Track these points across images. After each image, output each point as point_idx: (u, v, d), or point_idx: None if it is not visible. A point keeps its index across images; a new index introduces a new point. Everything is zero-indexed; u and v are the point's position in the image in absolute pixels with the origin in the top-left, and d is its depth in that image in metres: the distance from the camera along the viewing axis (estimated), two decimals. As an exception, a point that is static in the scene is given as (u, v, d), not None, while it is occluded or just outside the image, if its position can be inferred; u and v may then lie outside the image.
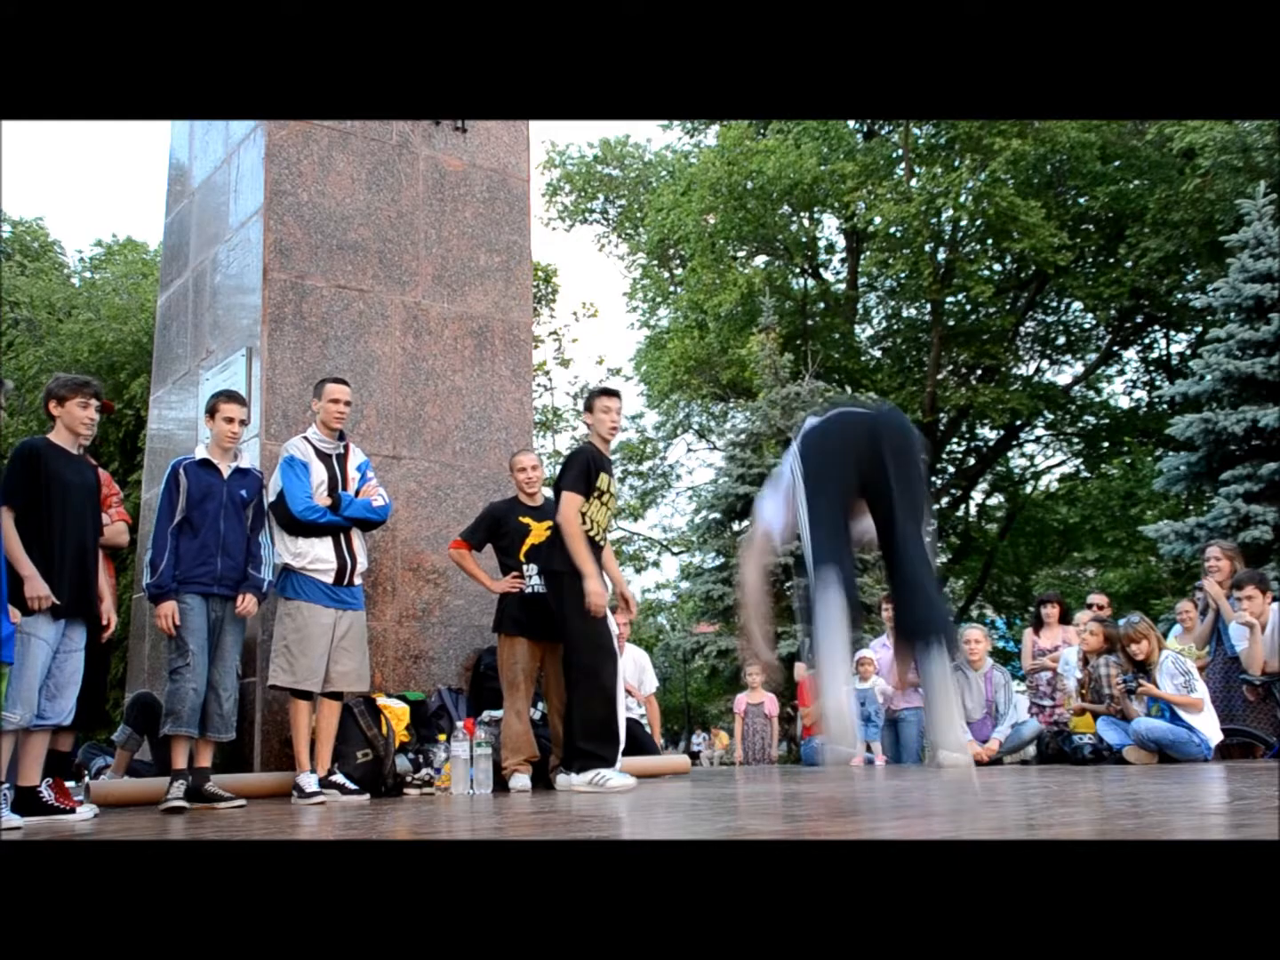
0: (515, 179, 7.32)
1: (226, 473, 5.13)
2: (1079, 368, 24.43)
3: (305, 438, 5.52)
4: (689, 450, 27.70)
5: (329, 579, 5.34)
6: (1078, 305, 22.85)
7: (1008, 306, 22.74)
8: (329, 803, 5.05)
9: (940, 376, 21.80)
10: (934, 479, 24.03)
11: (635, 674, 8.17)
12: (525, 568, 5.86)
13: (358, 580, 5.47)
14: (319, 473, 5.42)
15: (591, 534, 5.51)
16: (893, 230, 20.67)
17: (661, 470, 27.06)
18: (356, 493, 5.49)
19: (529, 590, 5.82)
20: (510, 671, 5.71)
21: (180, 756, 4.89)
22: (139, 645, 7.03)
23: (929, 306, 22.50)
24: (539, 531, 5.89)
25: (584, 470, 5.51)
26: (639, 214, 25.98)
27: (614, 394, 5.88)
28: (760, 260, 23.87)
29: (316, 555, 5.32)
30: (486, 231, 7.11)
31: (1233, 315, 12.71)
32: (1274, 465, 11.67)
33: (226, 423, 5.13)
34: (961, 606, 22.68)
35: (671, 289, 25.65)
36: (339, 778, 5.31)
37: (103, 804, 4.92)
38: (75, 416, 4.56)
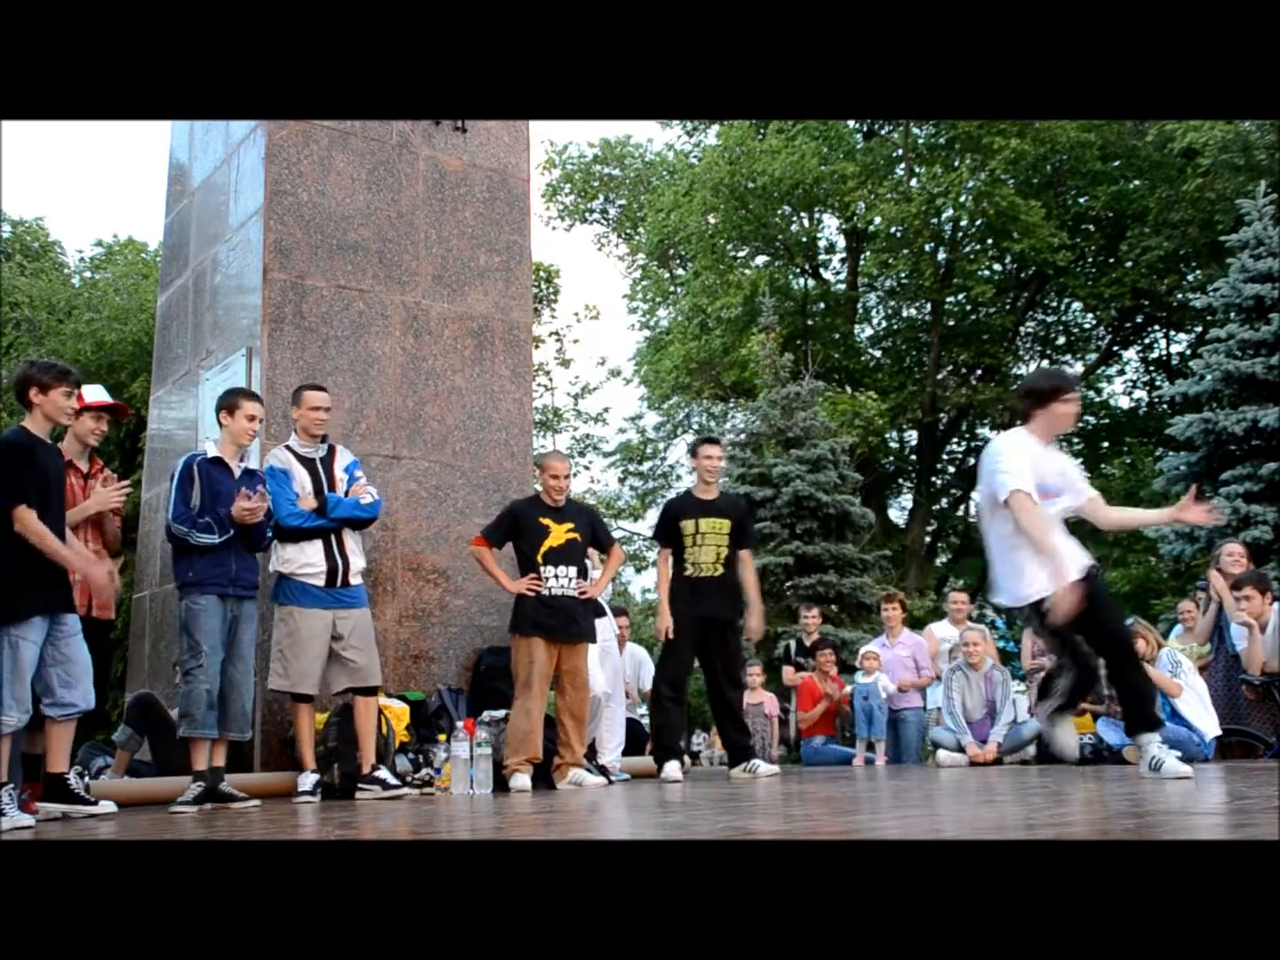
0: (515, 179, 7.31)
1: (237, 473, 5.12)
2: (1079, 368, 24.40)
3: (287, 446, 5.52)
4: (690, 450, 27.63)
5: (319, 582, 5.32)
6: (1078, 305, 22.83)
7: (1008, 306, 22.72)
8: (372, 800, 5.07)
9: (940, 376, 21.78)
10: (934, 479, 24.03)
11: (634, 671, 8.18)
12: (543, 569, 5.85)
13: (355, 580, 5.44)
14: (301, 478, 5.41)
15: (693, 574, 6.20)
16: (893, 230, 20.66)
17: (661, 470, 27.03)
18: (346, 493, 5.47)
19: (546, 592, 5.82)
20: (525, 671, 5.71)
21: (200, 758, 4.89)
22: (139, 645, 7.03)
23: (929, 306, 22.49)
24: (559, 533, 5.91)
25: (660, 522, 6.45)
26: (639, 214, 25.96)
27: (714, 441, 6.71)
28: (760, 260, 23.85)
29: (305, 560, 5.33)
30: (486, 231, 7.10)
31: (1233, 315, 12.70)
32: (1274, 465, 11.66)
33: (248, 420, 5.12)
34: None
35: (672, 289, 25.63)
36: (382, 773, 5.32)
37: (103, 804, 4.92)
38: (60, 406, 4.38)
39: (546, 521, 5.92)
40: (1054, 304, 23.68)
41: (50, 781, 4.34)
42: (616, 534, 26.35)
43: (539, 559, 5.85)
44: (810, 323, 22.82)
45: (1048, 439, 4.79)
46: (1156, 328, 23.50)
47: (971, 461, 25.30)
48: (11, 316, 17.30)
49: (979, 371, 22.70)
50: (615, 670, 6.73)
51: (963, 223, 20.99)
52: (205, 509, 4.98)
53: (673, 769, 6.09)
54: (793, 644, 9.75)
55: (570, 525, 5.93)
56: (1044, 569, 4.46)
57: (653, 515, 27.91)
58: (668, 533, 6.31)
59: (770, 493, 13.67)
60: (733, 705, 6.41)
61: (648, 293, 26.39)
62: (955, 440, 24.91)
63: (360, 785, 5.27)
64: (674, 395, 24.50)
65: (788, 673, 9.42)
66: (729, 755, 6.52)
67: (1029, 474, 4.52)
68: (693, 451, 6.62)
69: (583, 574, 5.98)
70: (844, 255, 24.37)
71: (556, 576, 5.83)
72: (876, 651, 8.55)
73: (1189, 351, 20.33)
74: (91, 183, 47.41)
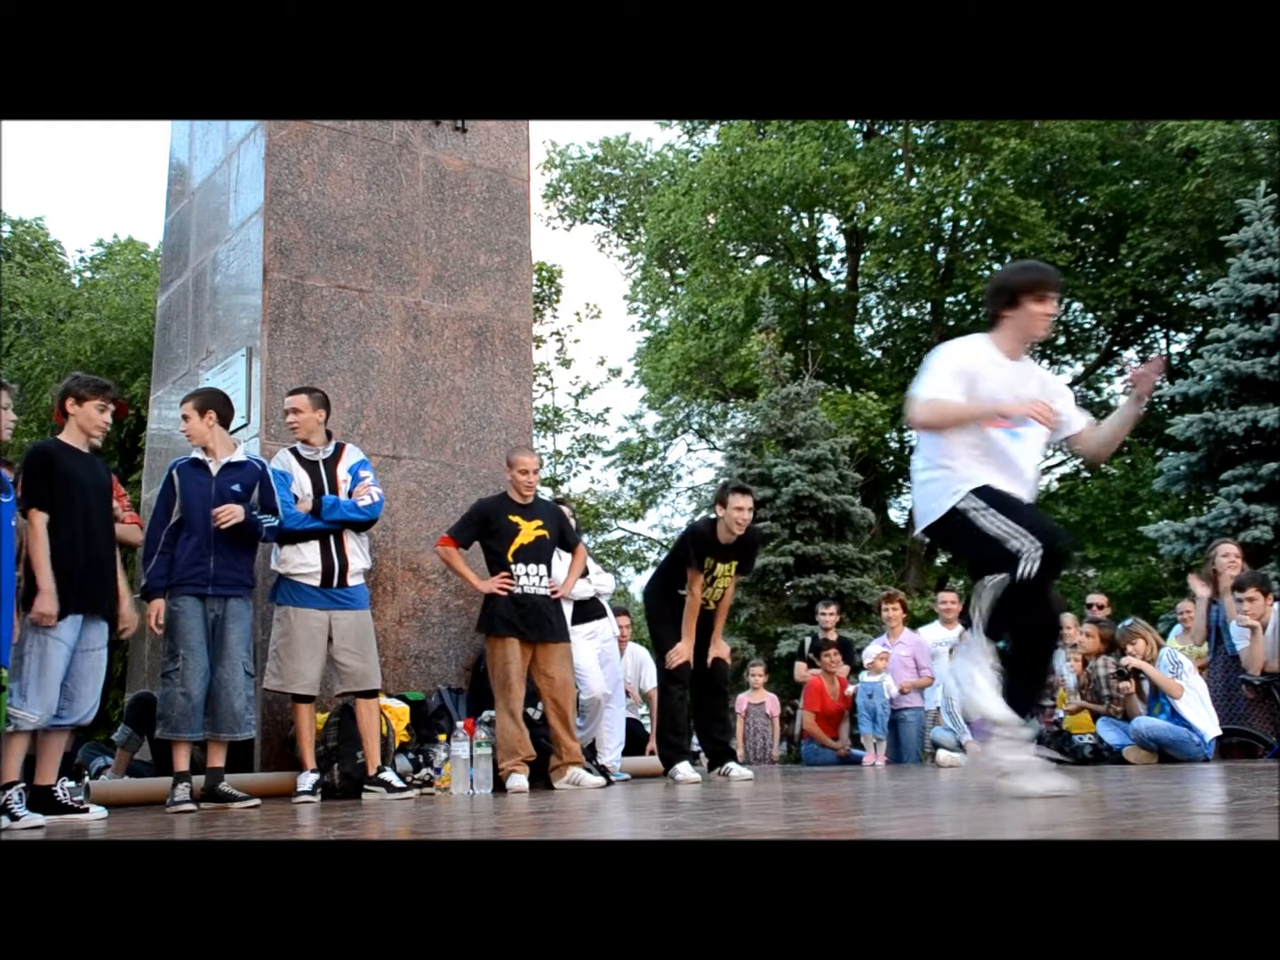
0: (515, 179, 7.31)
1: (215, 469, 5.12)
2: (1079, 368, 24.42)
3: (293, 448, 5.54)
4: (689, 450, 27.67)
5: (315, 582, 5.35)
6: (1078, 305, 22.84)
7: (1008, 307, 22.70)
8: (379, 800, 5.08)
9: (940, 376, 21.77)
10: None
11: (634, 670, 8.18)
12: (514, 567, 5.85)
13: (353, 580, 5.45)
14: (301, 480, 5.44)
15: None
16: (893, 230, 20.66)
17: (661, 470, 27.02)
18: (350, 494, 5.47)
19: (518, 590, 5.82)
20: (501, 672, 5.71)
21: (181, 759, 4.90)
22: (139, 645, 7.03)
23: (929, 306, 22.51)
24: (528, 531, 5.90)
25: (694, 550, 6.27)
26: (639, 214, 25.98)
27: (746, 491, 6.30)
28: (760, 260, 23.87)
29: (301, 560, 5.36)
30: (486, 231, 7.10)
31: (1233, 315, 12.70)
32: (1274, 465, 11.65)
33: (184, 421, 5.17)
34: (962, 607, 22.65)
35: (672, 289, 25.64)
36: (388, 775, 5.32)
37: (103, 804, 4.91)
38: (91, 419, 4.57)
39: (516, 519, 5.91)
40: (1054, 304, 23.66)
41: (37, 794, 4.35)
42: (616, 534, 26.38)
43: (509, 557, 5.85)
44: (810, 323, 22.83)
45: (1018, 350, 3.74)
46: (1156, 328, 23.50)
47: (971, 461, 25.31)
48: (12, 317, 17.28)
49: (979, 371, 22.67)
50: (615, 671, 6.73)
51: (963, 223, 21.01)
52: (186, 509, 5.03)
53: (685, 768, 6.08)
54: (808, 640, 9.74)
55: (539, 523, 5.92)
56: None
57: (653, 515, 27.93)
58: (699, 560, 6.27)
59: (770, 493, 13.67)
60: (717, 703, 6.54)
61: (648, 293, 26.39)
62: (955, 440, 24.86)
63: (366, 787, 5.28)
64: (674, 395, 24.49)
65: (799, 669, 9.39)
66: (709, 756, 6.52)
67: (958, 389, 3.60)
68: (721, 500, 6.30)
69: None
70: (844, 255, 24.38)
71: (528, 574, 5.83)
72: (887, 652, 8.58)
73: (1189, 351, 20.33)
74: (91, 183, 47.40)
